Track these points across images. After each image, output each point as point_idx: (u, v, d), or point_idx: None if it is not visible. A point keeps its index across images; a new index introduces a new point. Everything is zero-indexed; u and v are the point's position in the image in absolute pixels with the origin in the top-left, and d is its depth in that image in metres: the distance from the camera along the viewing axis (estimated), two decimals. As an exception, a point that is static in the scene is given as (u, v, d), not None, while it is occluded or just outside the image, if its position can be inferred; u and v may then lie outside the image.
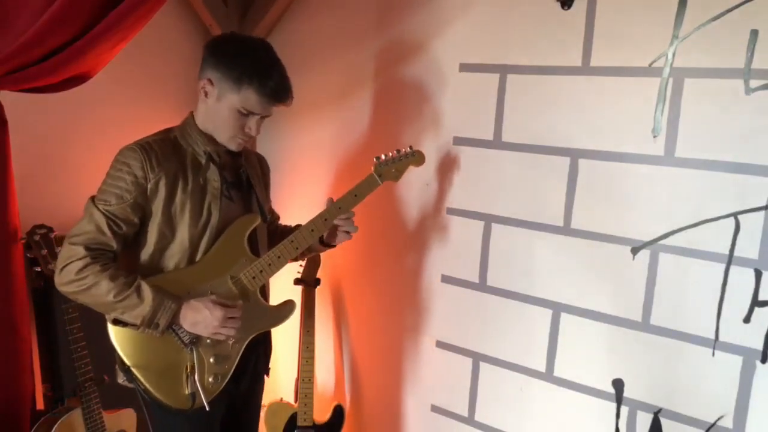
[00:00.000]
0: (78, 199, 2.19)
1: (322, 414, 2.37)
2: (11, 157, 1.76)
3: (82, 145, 2.20)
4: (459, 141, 2.09)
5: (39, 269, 1.87)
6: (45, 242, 1.85)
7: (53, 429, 1.82)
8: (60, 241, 1.89)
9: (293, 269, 2.28)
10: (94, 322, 1.95)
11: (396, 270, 2.30)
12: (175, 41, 2.48)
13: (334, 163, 2.43)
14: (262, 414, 2.14)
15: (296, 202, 2.49)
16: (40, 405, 2.00)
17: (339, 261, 2.44)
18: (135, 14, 1.62)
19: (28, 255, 1.86)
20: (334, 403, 2.38)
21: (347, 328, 2.47)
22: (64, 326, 1.86)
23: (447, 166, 2.12)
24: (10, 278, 1.78)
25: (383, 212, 2.27)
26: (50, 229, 1.87)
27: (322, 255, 2.34)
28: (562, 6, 1.83)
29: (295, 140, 2.50)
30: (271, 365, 1.88)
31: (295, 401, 2.36)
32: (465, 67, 2.05)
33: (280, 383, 2.54)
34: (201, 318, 1.53)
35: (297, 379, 2.35)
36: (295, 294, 2.28)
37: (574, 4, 1.81)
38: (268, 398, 2.07)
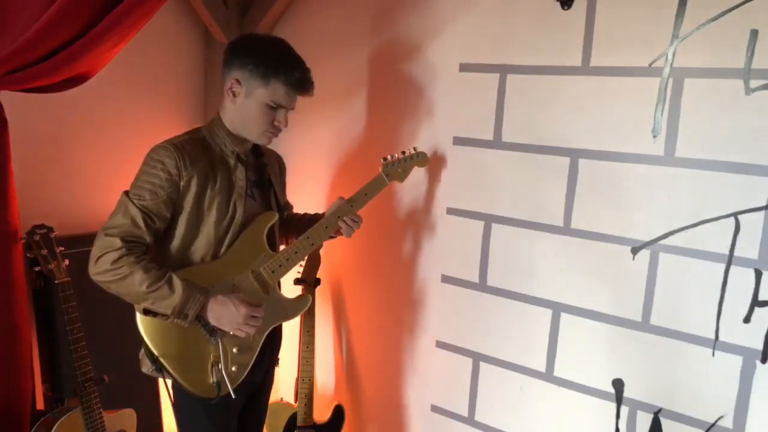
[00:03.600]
0: (78, 199, 2.20)
1: (322, 414, 2.38)
2: (11, 157, 1.76)
3: (82, 145, 2.20)
4: (459, 141, 2.09)
5: (39, 269, 1.87)
6: (45, 242, 1.84)
7: (53, 429, 1.82)
8: (60, 241, 1.89)
9: (294, 269, 2.28)
10: (94, 322, 1.96)
11: (396, 270, 2.30)
12: (175, 41, 2.48)
13: (335, 161, 2.43)
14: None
15: (298, 199, 2.49)
16: (40, 405, 2.00)
17: (339, 261, 2.44)
18: (135, 14, 1.61)
19: (28, 255, 1.85)
20: (334, 403, 2.38)
21: (347, 328, 2.47)
22: (64, 326, 1.86)
23: (447, 166, 2.12)
24: (10, 278, 1.78)
25: (384, 212, 2.27)
26: (50, 229, 1.87)
27: (322, 255, 2.34)
28: (562, 6, 1.83)
29: (296, 140, 2.50)
30: (279, 356, 1.94)
31: (295, 401, 2.36)
32: (465, 67, 2.05)
33: (280, 383, 2.54)
34: (226, 312, 1.61)
35: (297, 379, 2.35)
36: (295, 294, 2.28)
37: (574, 4, 1.81)
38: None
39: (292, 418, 2.33)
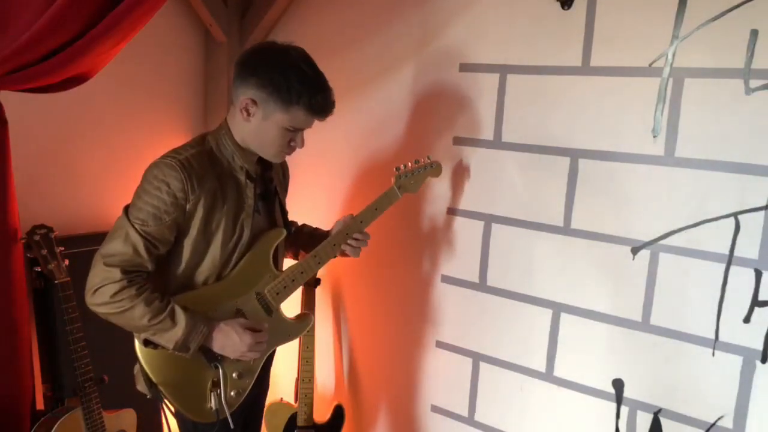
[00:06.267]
0: (78, 199, 2.20)
1: (322, 414, 2.37)
2: (11, 157, 1.76)
3: (82, 145, 2.20)
4: (459, 141, 2.09)
5: (39, 269, 1.86)
6: (45, 242, 1.84)
7: (53, 429, 1.82)
8: (60, 241, 1.89)
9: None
10: (94, 323, 1.96)
11: (396, 270, 2.30)
12: (175, 41, 2.48)
13: (333, 163, 2.43)
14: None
15: (299, 203, 2.49)
16: (40, 405, 2.00)
17: (339, 261, 2.43)
18: (135, 14, 1.61)
19: (28, 255, 1.85)
20: (334, 403, 2.38)
21: (347, 328, 2.47)
22: (64, 326, 1.86)
23: (447, 166, 2.12)
24: (10, 278, 1.78)
25: (384, 212, 2.27)
26: (50, 229, 1.87)
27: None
28: (562, 6, 1.83)
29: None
30: (276, 358, 1.91)
31: (295, 401, 2.36)
32: (465, 67, 2.05)
33: (280, 383, 2.54)
34: (230, 342, 1.56)
35: (297, 379, 2.35)
36: (295, 294, 2.28)
37: (574, 4, 1.81)
38: (268, 398, 2.06)
39: (292, 418, 2.33)
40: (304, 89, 1.50)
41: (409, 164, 1.86)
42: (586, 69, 1.81)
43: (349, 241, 1.76)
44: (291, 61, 1.53)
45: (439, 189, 2.16)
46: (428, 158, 1.92)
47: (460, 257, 2.13)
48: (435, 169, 1.93)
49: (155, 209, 1.47)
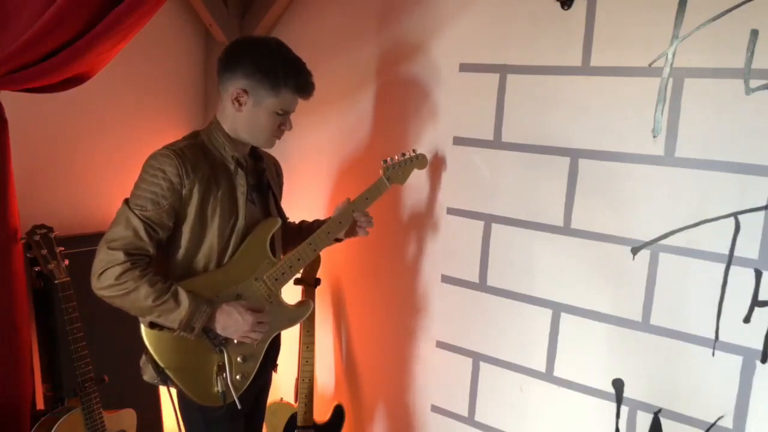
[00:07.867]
0: (78, 199, 2.20)
1: (322, 414, 2.38)
2: (11, 157, 1.76)
3: (82, 145, 2.20)
4: (459, 141, 2.09)
5: (39, 269, 1.87)
6: (45, 242, 1.84)
7: (53, 429, 1.82)
8: (60, 241, 1.89)
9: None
10: (94, 322, 1.96)
11: (396, 270, 2.30)
12: (175, 41, 2.48)
13: (333, 163, 2.43)
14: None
15: (295, 203, 2.50)
16: (40, 405, 2.00)
17: (339, 261, 2.44)
18: (135, 14, 1.61)
19: (28, 255, 1.85)
20: (334, 403, 2.38)
21: (347, 328, 2.47)
22: (64, 326, 1.86)
23: (447, 166, 2.12)
24: (10, 278, 1.78)
25: (383, 212, 2.27)
26: (50, 229, 1.87)
27: (322, 255, 2.33)
28: (562, 6, 1.83)
29: (295, 141, 2.50)
30: (277, 362, 1.93)
31: (295, 401, 2.36)
32: (465, 67, 2.05)
33: (280, 383, 2.54)
34: (233, 323, 1.61)
35: (297, 379, 2.35)
36: (295, 294, 2.28)
37: (574, 4, 1.81)
38: (268, 398, 2.07)
39: (292, 418, 2.33)
40: (291, 72, 1.61)
41: (396, 157, 1.93)
42: (586, 69, 1.82)
43: (357, 222, 1.83)
44: (272, 48, 1.63)
45: (438, 189, 2.16)
46: (414, 151, 1.98)
47: (460, 257, 2.13)
48: (420, 161, 1.99)
49: (153, 195, 1.54)
